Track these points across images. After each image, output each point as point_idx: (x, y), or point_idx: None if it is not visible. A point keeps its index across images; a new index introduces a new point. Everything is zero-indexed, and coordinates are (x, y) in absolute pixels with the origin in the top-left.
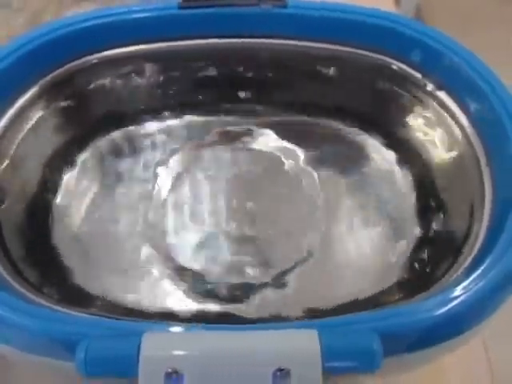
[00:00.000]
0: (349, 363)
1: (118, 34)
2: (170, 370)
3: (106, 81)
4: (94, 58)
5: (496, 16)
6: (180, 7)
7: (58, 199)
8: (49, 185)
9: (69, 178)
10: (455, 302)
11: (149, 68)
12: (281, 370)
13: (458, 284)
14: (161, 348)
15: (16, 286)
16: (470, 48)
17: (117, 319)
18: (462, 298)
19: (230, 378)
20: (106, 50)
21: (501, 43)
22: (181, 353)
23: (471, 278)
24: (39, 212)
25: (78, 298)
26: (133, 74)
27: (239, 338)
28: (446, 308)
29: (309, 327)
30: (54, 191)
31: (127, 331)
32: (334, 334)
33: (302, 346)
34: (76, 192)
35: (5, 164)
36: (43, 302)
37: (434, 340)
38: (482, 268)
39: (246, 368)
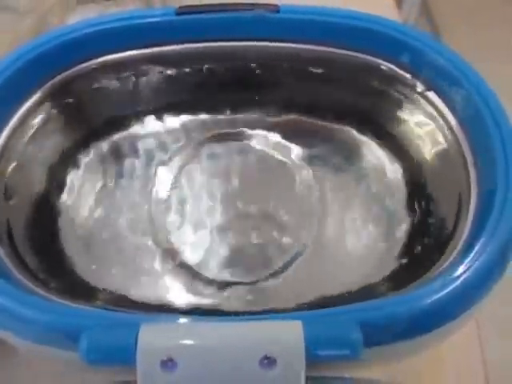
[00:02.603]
0: (331, 352)
1: (118, 40)
2: (165, 358)
3: (107, 84)
4: (94, 63)
5: (498, 15)
6: (177, 13)
7: (63, 198)
8: (54, 184)
9: (73, 177)
10: (439, 293)
11: (148, 71)
12: (267, 357)
13: (444, 275)
14: (157, 338)
15: (24, 280)
16: (474, 47)
17: (117, 311)
18: (445, 289)
19: (219, 366)
20: (106, 55)
21: (504, 42)
22: (175, 342)
23: (458, 269)
24: (45, 210)
25: (83, 291)
26: (133, 77)
27: (228, 329)
28: (430, 298)
29: (294, 318)
30: (59, 190)
31: (126, 322)
32: (318, 325)
33: (287, 335)
34: (80, 191)
35: (13, 165)
36: (49, 295)
37: (419, 330)
38: (469, 258)
39: (235, 356)
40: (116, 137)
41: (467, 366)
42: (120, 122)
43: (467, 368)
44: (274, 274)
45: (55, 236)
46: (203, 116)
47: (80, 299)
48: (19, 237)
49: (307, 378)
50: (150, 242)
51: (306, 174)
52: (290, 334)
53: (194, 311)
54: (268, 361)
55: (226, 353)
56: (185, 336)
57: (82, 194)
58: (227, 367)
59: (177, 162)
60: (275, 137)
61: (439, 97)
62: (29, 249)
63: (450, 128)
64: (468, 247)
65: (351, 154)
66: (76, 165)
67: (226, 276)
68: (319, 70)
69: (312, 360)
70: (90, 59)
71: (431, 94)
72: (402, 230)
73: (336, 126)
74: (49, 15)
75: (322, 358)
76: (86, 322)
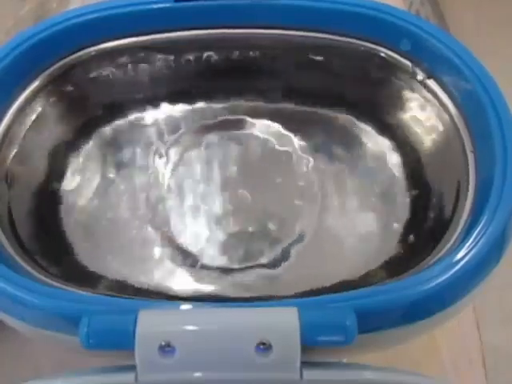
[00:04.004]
0: (325, 338)
1: (116, 27)
2: (163, 343)
3: (105, 72)
4: (94, 50)
5: (508, 10)
6: (175, 0)
7: (64, 185)
8: (54, 171)
9: (73, 164)
10: (438, 278)
11: (147, 59)
12: (263, 343)
13: (440, 263)
14: (155, 323)
15: (25, 266)
16: (480, 41)
17: (117, 297)
18: (439, 277)
19: (217, 351)
20: (105, 42)
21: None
22: (172, 327)
23: (457, 254)
24: (46, 197)
25: (84, 277)
26: (131, 65)
27: (225, 314)
28: (428, 284)
29: (290, 305)
30: (60, 177)
31: (126, 308)
32: (313, 311)
33: (282, 321)
34: (80, 178)
35: (14, 152)
36: (50, 281)
37: (416, 316)
38: (468, 243)
39: (231, 341)
40: (116, 124)
41: (464, 352)
42: (120, 110)
43: (464, 355)
44: (272, 262)
45: (56, 222)
46: (202, 104)
47: (80, 285)
48: (21, 223)
49: (302, 363)
50: (149, 229)
51: (306, 161)
52: (285, 320)
53: (192, 297)
54: (264, 346)
55: (223, 338)
56: (182, 322)
57: (83, 181)
58: (224, 353)
59: (176, 149)
60: (275, 125)
61: (439, 84)
62: (30, 235)
63: (450, 115)
64: (466, 233)
65: (351, 142)
66: (76, 152)
67: (224, 263)
68: (319, 58)
69: (307, 346)
70: (90, 46)
71: (431, 82)
72: (402, 217)
73: (336, 114)
74: (49, 0)
75: (316, 344)
76: (85, 307)
